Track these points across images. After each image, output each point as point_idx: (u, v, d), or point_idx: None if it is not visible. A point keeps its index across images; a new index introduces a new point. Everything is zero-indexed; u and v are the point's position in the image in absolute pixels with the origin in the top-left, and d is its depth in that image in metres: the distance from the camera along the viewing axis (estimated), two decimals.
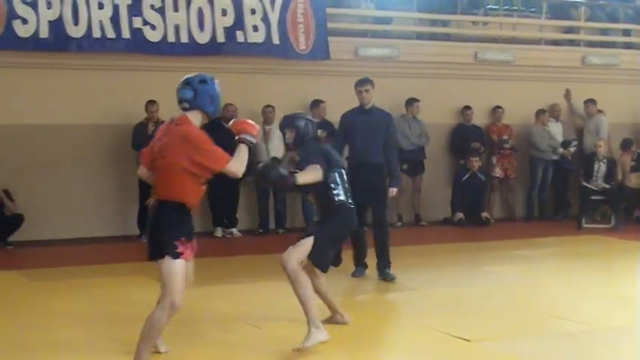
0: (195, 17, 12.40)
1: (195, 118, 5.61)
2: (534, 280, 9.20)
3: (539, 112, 14.64)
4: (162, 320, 5.39)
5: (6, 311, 7.66)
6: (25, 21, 11.47)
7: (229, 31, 12.61)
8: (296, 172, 6.48)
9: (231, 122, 5.94)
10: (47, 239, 11.68)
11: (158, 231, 5.42)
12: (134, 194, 11.93)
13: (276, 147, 12.74)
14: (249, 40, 12.74)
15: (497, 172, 14.49)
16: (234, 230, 12.62)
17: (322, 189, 6.71)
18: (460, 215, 13.75)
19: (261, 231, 12.83)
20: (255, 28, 12.80)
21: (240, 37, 12.67)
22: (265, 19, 12.87)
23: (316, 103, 13.14)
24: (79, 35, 11.73)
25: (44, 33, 11.56)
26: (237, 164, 5.46)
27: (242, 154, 5.53)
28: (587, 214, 13.89)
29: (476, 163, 13.85)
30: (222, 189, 12.38)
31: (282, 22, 12.97)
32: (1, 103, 11.65)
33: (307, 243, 6.52)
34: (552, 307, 7.80)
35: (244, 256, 10.93)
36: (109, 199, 12.41)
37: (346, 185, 6.83)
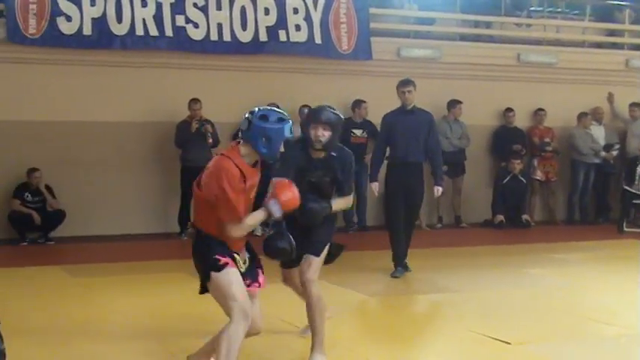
0: (238, 16, 12.44)
1: (246, 152, 5.01)
2: (575, 284, 9.12)
3: (582, 115, 14.51)
4: (240, 334, 4.89)
5: (47, 306, 7.73)
6: (68, 18, 11.59)
7: (272, 30, 12.64)
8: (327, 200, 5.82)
9: (276, 181, 5.22)
10: (89, 235, 11.77)
11: (197, 259, 5.09)
12: (176, 191, 12.02)
13: None
14: (291, 40, 12.76)
15: (539, 175, 14.40)
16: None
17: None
18: (500, 218, 13.67)
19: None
20: (298, 28, 12.82)
21: (282, 36, 12.70)
22: (308, 18, 12.88)
23: (358, 104, 13.14)
24: (123, 33, 11.83)
25: (88, 30, 11.67)
26: (238, 230, 4.95)
27: (254, 220, 5.02)
28: (628, 218, 13.77)
29: (517, 165, 13.77)
30: None
31: (324, 21, 12.98)
32: (46, 100, 11.76)
33: (322, 256, 5.94)
34: (593, 311, 7.71)
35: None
36: (151, 196, 12.49)
37: None
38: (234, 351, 4.88)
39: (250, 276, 5.11)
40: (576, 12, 16.15)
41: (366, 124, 13.21)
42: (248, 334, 5.05)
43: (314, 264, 5.82)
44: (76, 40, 11.66)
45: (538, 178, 14.39)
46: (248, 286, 5.03)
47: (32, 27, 11.46)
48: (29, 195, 11.56)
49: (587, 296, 8.48)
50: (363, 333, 7.11)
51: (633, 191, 13.55)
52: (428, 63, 13.71)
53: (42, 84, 11.75)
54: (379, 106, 12.94)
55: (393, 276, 9.17)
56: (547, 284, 9.08)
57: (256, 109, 5.02)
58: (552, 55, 14.69)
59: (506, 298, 8.31)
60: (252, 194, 5.06)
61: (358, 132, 13.15)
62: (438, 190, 9.33)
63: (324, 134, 5.75)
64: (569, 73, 14.60)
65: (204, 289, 5.12)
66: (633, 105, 14.69)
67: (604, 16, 16.01)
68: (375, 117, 13.04)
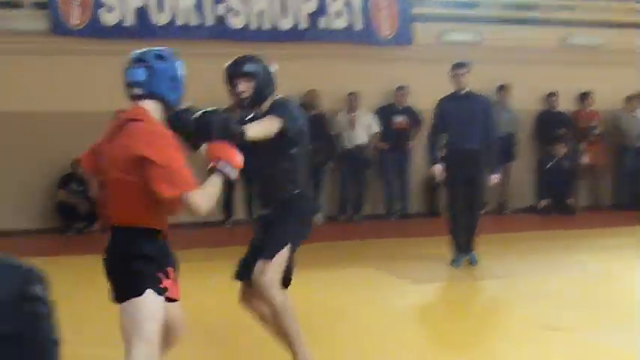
0: (277, 4, 12.43)
1: (154, 109, 4.15)
2: (623, 270, 8.99)
3: (628, 99, 14.29)
4: None
5: (79, 292, 7.78)
6: (111, 9, 11.67)
7: (312, 17, 12.61)
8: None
9: (206, 146, 4.31)
10: None
11: (125, 263, 3.98)
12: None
13: (361, 134, 12.72)
14: (331, 26, 12.73)
15: (585, 160, 14.21)
16: (318, 216, 12.62)
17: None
18: (545, 203, 13.54)
19: (343, 218, 12.82)
20: (338, 14, 12.77)
21: (322, 23, 12.66)
22: (348, 4, 12.83)
23: (399, 89, 13.07)
24: (164, 23, 11.88)
25: (129, 21, 11.74)
26: (203, 197, 3.92)
27: (212, 186, 4.02)
28: None
29: (561, 149, 13.62)
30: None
31: (365, 7, 12.92)
32: (90, 91, 11.82)
33: (280, 259, 5.01)
34: None
35: (327, 243, 10.91)
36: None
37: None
38: None
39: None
40: None
41: (408, 110, 13.13)
42: (167, 345, 4.23)
43: (268, 266, 4.92)
44: (118, 31, 11.74)
45: (584, 162, 14.21)
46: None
47: (75, 18, 11.56)
48: (75, 185, 11.67)
49: (636, 283, 8.36)
50: (414, 322, 7.06)
51: None
52: (469, 47, 13.57)
53: (85, 75, 11.81)
54: (421, 91, 12.90)
55: (453, 265, 8.95)
56: (595, 270, 8.96)
57: (141, 51, 4.29)
58: (598, 37, 14.47)
59: (554, 284, 8.22)
60: None
61: (400, 118, 13.08)
62: (495, 179, 9.08)
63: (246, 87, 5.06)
64: (615, 55, 14.36)
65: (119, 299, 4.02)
66: None
67: None
68: (417, 103, 13.00)
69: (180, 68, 4.29)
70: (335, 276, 8.61)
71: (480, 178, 8.92)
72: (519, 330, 6.56)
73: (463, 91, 8.95)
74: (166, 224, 4.09)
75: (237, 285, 5.21)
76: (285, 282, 5.10)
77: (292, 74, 12.63)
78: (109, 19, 11.68)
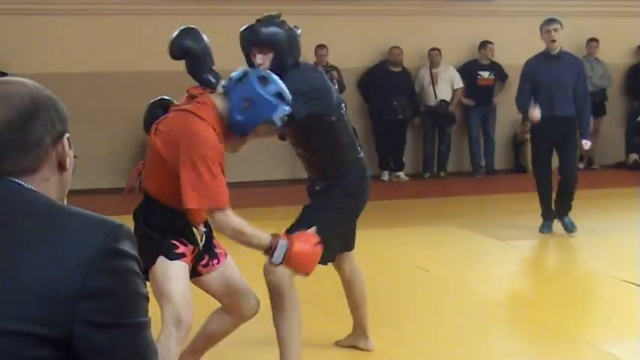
0: None
1: (221, 107, 3.92)
2: None
3: None
4: (170, 347, 3.78)
5: None
6: None
7: None
8: None
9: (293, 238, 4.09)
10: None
11: (145, 234, 3.85)
12: None
13: (444, 90, 12.64)
14: None
15: None
16: (401, 174, 12.63)
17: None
18: (635, 157, 13.29)
19: (428, 175, 12.79)
20: None
21: None
22: None
23: (484, 45, 12.90)
24: None
25: None
26: (230, 223, 3.86)
27: (252, 238, 3.96)
28: None
29: None
30: (388, 132, 12.43)
31: None
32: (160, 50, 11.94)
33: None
34: None
35: (411, 200, 10.93)
36: (274, 143, 12.56)
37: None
38: None
39: (208, 253, 4.07)
40: None
41: (493, 66, 12.98)
42: (240, 319, 4.20)
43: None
44: None
45: None
46: (205, 265, 4.05)
47: None
48: None
49: None
50: (495, 280, 7.06)
51: None
52: (558, 0, 13.30)
53: (156, 34, 11.92)
54: (506, 47, 12.73)
55: (541, 231, 8.35)
56: None
57: (259, 72, 4.01)
58: None
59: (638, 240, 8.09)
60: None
61: (485, 74, 12.93)
62: (586, 145, 8.41)
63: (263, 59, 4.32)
64: None
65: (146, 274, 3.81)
66: None
67: None
68: (502, 58, 12.83)
69: (270, 109, 3.85)
70: (418, 232, 8.63)
71: (572, 147, 8.32)
72: (598, 285, 6.52)
73: (555, 51, 8.18)
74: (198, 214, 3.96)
75: None
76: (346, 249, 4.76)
77: (375, 31, 12.63)
78: None
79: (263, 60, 4.29)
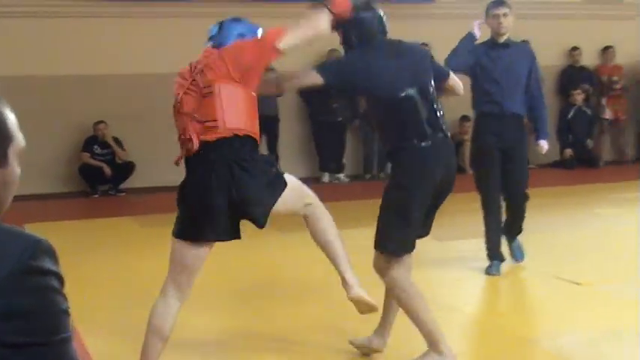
0: None
1: None
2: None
3: None
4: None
5: (120, 257, 7.90)
6: None
7: None
8: None
9: None
10: (158, 186, 11.91)
11: (258, 181, 4.21)
12: None
13: None
14: None
15: (608, 114, 14.15)
16: (342, 176, 12.68)
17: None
18: (569, 152, 13.55)
19: (368, 176, 12.86)
20: None
21: None
22: None
23: (422, 46, 12.95)
24: None
25: None
26: (315, 26, 4.44)
27: (322, 18, 4.44)
28: None
29: (578, 96, 13.60)
30: (328, 134, 12.48)
31: None
32: (110, 54, 11.87)
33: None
34: None
35: (351, 201, 10.97)
36: None
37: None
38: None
39: None
40: None
41: None
42: None
43: (384, 261, 4.78)
44: None
45: (607, 117, 14.15)
46: None
47: None
48: (98, 147, 11.77)
49: None
50: (431, 278, 7.13)
51: None
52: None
53: (104, 38, 11.86)
54: (444, 50, 12.82)
55: (488, 273, 6.93)
56: (617, 224, 8.97)
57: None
58: None
59: (576, 238, 8.25)
60: None
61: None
62: (544, 147, 7.14)
63: None
64: (637, 8, 14.26)
65: (262, 222, 4.27)
66: None
67: None
68: (440, 60, 12.93)
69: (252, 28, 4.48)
70: (359, 234, 8.65)
71: (522, 150, 6.99)
72: (538, 284, 6.62)
73: (502, 39, 6.93)
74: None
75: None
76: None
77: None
78: None
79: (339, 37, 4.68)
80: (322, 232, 4.51)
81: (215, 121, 4.10)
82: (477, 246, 7.27)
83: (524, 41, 8.47)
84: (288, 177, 4.37)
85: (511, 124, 6.78)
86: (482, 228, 7.01)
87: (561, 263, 7.14)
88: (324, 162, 12.61)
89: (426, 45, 12.77)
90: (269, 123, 11.57)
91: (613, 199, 10.64)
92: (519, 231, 7.17)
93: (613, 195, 10.93)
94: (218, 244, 4.30)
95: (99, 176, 11.70)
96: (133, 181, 11.85)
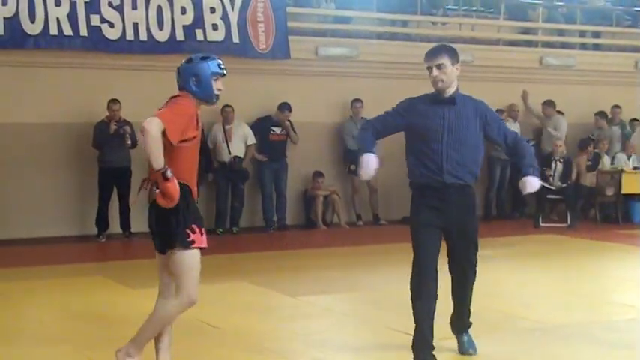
0: (154, 15, 12.35)
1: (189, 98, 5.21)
2: (491, 279, 9.21)
3: (497, 112, 14.68)
4: (172, 312, 5.19)
5: None
6: None
7: (188, 30, 12.58)
8: None
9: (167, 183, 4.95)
10: (3, 239, 11.56)
11: (167, 216, 5.09)
12: (94, 193, 11.90)
13: (238, 146, 12.77)
14: (208, 39, 12.71)
15: None
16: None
17: None
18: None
19: (220, 230, 12.80)
20: (215, 27, 12.78)
21: (199, 35, 12.64)
22: (225, 17, 12.85)
23: (283, 107, 13.07)
24: (36, 32, 11.65)
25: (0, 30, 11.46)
26: (152, 128, 4.84)
27: (157, 154, 4.86)
28: (543, 213, 14.10)
29: None
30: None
31: (241, 20, 12.96)
32: None
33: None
34: (510, 305, 7.87)
35: (203, 256, 10.85)
36: (68, 198, 12.33)
37: None
38: (160, 324, 5.17)
39: None
40: (491, 10, 16.48)
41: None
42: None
43: None
44: None
45: None
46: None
47: None
48: None
49: (504, 291, 8.62)
50: (279, 332, 7.13)
51: (548, 187, 13.80)
52: (345, 62, 13.78)
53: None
54: (297, 104, 13.04)
55: None
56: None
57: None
58: (468, 53, 14.79)
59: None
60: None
61: (277, 130, 13.17)
62: (533, 184, 6.26)
63: None
64: (484, 70, 14.81)
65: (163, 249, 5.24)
66: (546, 103, 15.02)
67: (518, 15, 16.38)
68: (294, 115, 13.10)
69: (206, 68, 5.16)
70: (209, 290, 8.59)
71: (472, 225, 6.04)
72: (385, 339, 6.71)
73: (446, 93, 5.80)
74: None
75: None
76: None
77: (170, 86, 12.50)
78: None
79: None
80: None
81: None
82: None
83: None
84: None
85: (455, 199, 5.77)
86: None
87: (407, 318, 7.25)
88: None
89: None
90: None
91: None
92: None
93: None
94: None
95: None
96: None
